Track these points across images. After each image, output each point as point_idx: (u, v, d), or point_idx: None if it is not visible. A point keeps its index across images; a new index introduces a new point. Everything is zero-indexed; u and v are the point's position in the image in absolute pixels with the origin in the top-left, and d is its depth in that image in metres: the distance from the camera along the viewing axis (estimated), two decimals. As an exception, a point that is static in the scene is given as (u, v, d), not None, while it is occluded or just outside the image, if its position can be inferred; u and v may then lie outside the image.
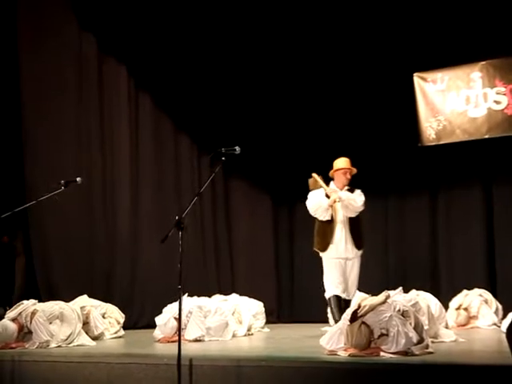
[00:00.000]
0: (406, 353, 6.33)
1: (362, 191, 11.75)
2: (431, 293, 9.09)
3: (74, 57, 10.74)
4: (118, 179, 11.08)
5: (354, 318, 6.49)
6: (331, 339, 6.65)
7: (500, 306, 9.84)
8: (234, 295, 10.40)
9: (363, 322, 6.44)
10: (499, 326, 9.26)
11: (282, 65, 12.18)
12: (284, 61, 12.14)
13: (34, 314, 8.04)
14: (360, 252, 9.18)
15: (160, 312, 8.73)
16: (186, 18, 11.59)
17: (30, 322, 7.99)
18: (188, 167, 11.93)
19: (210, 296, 10.19)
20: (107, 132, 11.05)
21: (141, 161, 11.36)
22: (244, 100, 12.22)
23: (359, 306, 6.54)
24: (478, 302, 9.81)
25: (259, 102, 12.28)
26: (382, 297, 6.74)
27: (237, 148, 6.35)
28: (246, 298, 10.34)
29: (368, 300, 6.67)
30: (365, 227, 11.50)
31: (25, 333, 8.03)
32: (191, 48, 11.79)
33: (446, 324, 8.36)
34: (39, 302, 8.43)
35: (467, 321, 9.79)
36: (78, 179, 8.08)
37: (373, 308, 6.49)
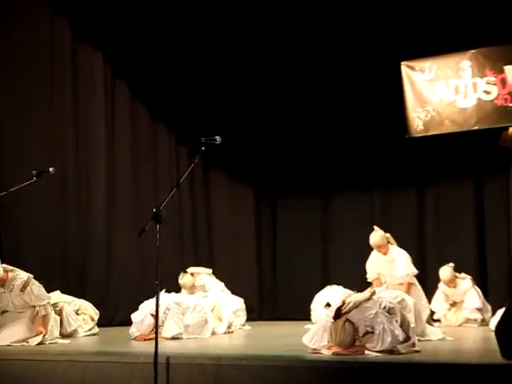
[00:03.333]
0: (391, 351, 6.35)
1: (347, 184, 11.80)
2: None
3: (46, 42, 10.63)
4: (93, 170, 11.00)
5: (338, 315, 6.48)
6: (314, 337, 6.65)
7: (489, 307, 9.91)
8: (214, 291, 10.38)
9: (347, 320, 6.44)
10: (485, 320, 9.37)
11: (265, 53, 12.12)
12: (266, 49, 12.08)
13: None
14: None
15: (136, 308, 8.71)
16: (164, 2, 11.52)
17: None
18: (166, 158, 11.88)
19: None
20: (82, 121, 10.97)
21: (117, 151, 11.29)
22: (224, 88, 12.15)
23: (343, 303, 6.53)
24: (468, 282, 9.93)
25: (240, 90, 12.22)
26: (367, 293, 6.74)
27: (217, 138, 6.32)
28: (226, 294, 10.33)
29: (353, 297, 6.66)
30: (350, 221, 11.56)
31: None
32: (170, 35, 11.70)
33: (428, 318, 8.43)
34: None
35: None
36: (50, 169, 8.03)
37: (357, 305, 6.49)
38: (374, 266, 9.48)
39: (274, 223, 12.63)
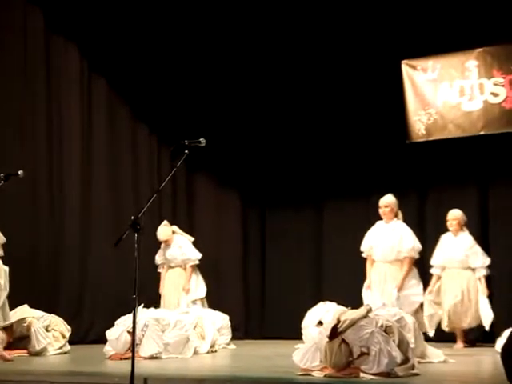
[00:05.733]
0: (388, 374, 6.31)
1: (343, 191, 11.78)
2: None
3: (17, 34, 10.61)
4: (67, 173, 10.98)
5: (334, 334, 6.44)
6: (306, 355, 6.61)
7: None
8: (196, 307, 10.35)
9: (343, 340, 6.41)
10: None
11: (255, 49, 12.13)
12: (257, 45, 12.09)
13: None
14: None
15: (111, 325, 8.68)
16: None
17: None
18: (146, 161, 11.88)
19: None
20: (55, 120, 10.96)
21: (93, 152, 11.29)
22: (210, 87, 12.15)
23: (338, 321, 6.50)
24: (470, 239, 10.08)
25: (228, 89, 12.22)
26: (362, 310, 6.71)
27: (202, 140, 6.29)
28: (209, 311, 10.32)
29: (347, 314, 6.63)
30: (345, 232, 11.53)
31: None
32: (151, 28, 11.71)
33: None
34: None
35: None
36: (19, 172, 8.00)
37: (354, 323, 6.46)
38: (372, 234, 9.59)
39: (263, 234, 12.61)
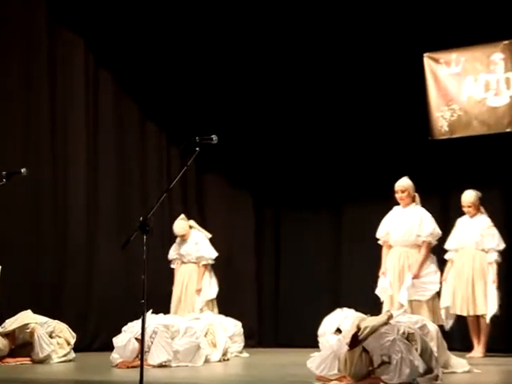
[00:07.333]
0: (410, 385, 6.29)
1: (362, 191, 11.73)
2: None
3: (20, 26, 10.61)
4: (73, 172, 10.99)
5: (355, 342, 6.40)
6: (323, 363, 6.60)
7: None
8: (208, 313, 10.33)
9: (364, 348, 6.37)
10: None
11: (268, 43, 12.09)
12: (270, 38, 12.04)
13: None
14: None
15: (119, 331, 8.69)
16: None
17: None
18: (155, 159, 11.86)
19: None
20: (60, 116, 10.97)
21: (100, 151, 11.29)
22: (221, 82, 12.12)
23: (358, 329, 6.46)
24: (487, 220, 10.00)
25: (239, 84, 12.18)
26: (383, 317, 6.68)
27: (213, 137, 6.28)
28: (221, 317, 10.30)
29: (368, 321, 6.60)
30: (364, 235, 11.50)
31: None
32: (160, 24, 11.71)
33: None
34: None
35: None
36: (22, 170, 8.04)
37: (374, 330, 6.42)
38: (389, 219, 9.55)
39: (277, 236, 12.56)
